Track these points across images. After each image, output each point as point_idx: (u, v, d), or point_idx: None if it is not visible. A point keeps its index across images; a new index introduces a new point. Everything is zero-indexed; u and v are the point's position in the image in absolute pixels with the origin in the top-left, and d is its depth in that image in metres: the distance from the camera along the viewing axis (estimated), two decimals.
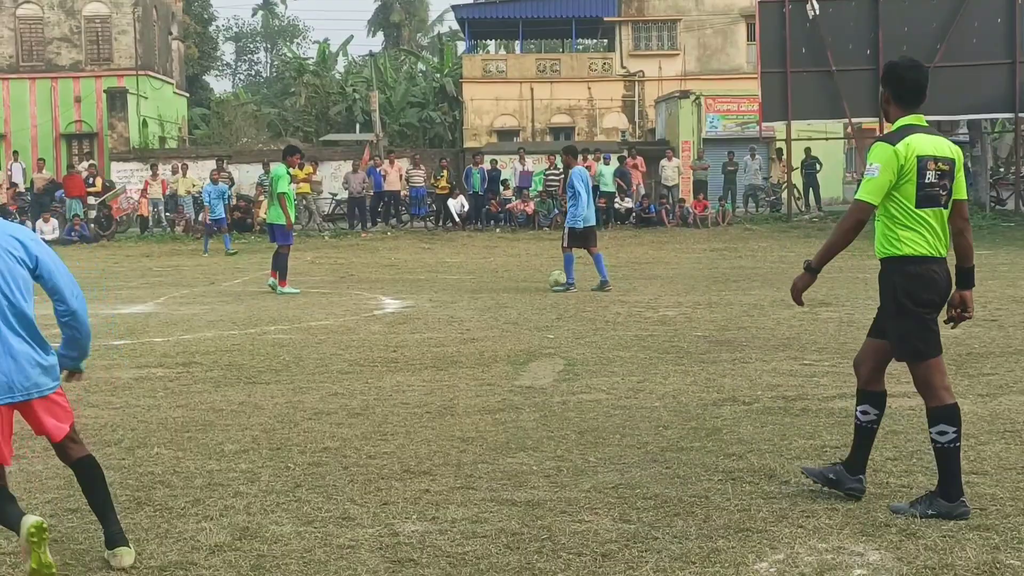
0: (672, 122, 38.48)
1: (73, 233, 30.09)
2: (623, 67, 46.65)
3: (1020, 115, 30.71)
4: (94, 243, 29.72)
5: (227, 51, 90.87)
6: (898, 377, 8.79)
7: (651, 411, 7.78)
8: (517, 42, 53.59)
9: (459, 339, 11.45)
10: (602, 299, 14.89)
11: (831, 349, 10.29)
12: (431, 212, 33.08)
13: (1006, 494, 5.65)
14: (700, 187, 33.65)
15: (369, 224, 31.68)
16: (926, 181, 5.32)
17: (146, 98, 43.48)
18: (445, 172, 32.84)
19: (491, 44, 62.00)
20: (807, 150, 32.88)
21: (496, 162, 33.25)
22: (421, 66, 63.42)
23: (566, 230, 16.10)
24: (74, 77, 42.98)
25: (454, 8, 50.74)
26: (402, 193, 32.92)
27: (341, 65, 64.73)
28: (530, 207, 31.54)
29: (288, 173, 16.63)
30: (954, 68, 29.20)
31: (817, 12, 30.13)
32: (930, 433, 5.36)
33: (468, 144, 43.76)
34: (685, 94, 38.08)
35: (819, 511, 5.42)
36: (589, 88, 45.92)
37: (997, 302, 13.57)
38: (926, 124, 5.49)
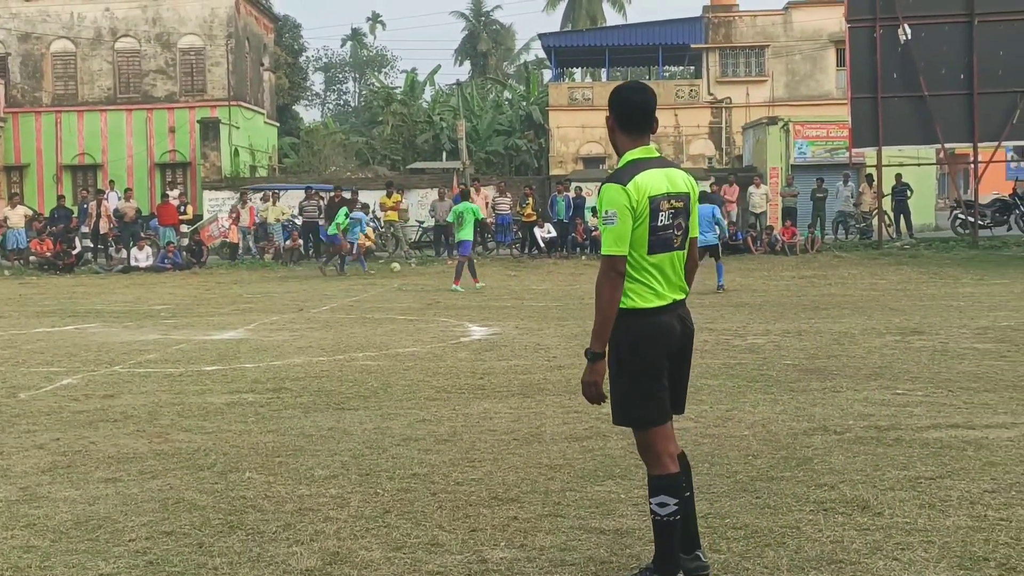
0: (759, 148, 38.22)
1: (166, 260, 30.73)
2: (710, 94, 46.53)
3: None
4: (186, 270, 30.27)
5: (317, 81, 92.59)
6: (995, 408, 8.63)
7: (740, 440, 7.69)
8: (603, 70, 53.71)
9: (546, 366, 11.44)
10: None
11: (924, 378, 10.09)
12: (517, 239, 33.18)
13: None
14: (789, 214, 33.33)
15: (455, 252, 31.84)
16: (659, 224, 4.70)
17: (238, 128, 44.35)
18: (531, 200, 32.94)
19: (577, 72, 62.23)
20: (898, 176, 32.34)
21: (580, 189, 33.26)
22: (507, 94, 63.84)
23: None
24: (169, 108, 44.02)
25: (541, 37, 51.08)
26: (488, 221, 33.06)
27: (428, 94, 65.43)
28: None
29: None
30: None
31: (909, 36, 29.67)
32: (649, 504, 4.81)
33: (554, 171, 43.90)
34: (773, 120, 37.80)
35: (915, 544, 5.30)
36: (676, 115, 45.83)
37: None
38: (657, 155, 4.93)
